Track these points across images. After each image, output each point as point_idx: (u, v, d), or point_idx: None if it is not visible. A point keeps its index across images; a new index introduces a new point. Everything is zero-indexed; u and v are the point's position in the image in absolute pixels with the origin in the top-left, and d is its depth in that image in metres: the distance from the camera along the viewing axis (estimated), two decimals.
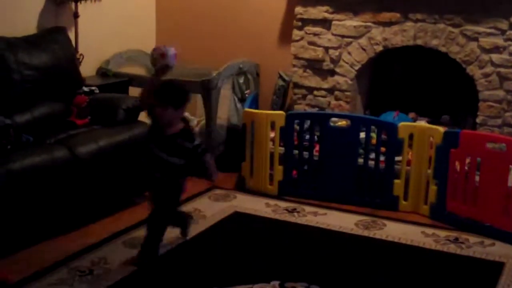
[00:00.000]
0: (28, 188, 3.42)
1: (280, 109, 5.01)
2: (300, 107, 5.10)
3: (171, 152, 3.24)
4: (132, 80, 4.96)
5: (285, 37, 5.21)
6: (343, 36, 4.88)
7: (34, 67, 4.11)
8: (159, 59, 3.38)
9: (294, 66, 5.08)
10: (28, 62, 4.08)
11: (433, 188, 4.08)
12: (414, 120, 4.82)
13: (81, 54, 4.73)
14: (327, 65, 4.96)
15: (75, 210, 3.71)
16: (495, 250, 3.68)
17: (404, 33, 4.68)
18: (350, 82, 4.92)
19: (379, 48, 4.79)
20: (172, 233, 3.73)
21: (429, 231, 3.91)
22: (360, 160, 4.29)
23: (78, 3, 4.69)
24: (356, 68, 4.89)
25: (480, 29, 4.45)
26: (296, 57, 5.06)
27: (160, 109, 3.20)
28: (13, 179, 3.34)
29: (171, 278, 3.25)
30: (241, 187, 4.57)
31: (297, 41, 5.03)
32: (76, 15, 4.72)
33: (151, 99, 3.24)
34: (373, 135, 4.31)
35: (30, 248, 3.43)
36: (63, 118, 4.20)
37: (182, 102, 3.27)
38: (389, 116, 4.77)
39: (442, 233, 3.88)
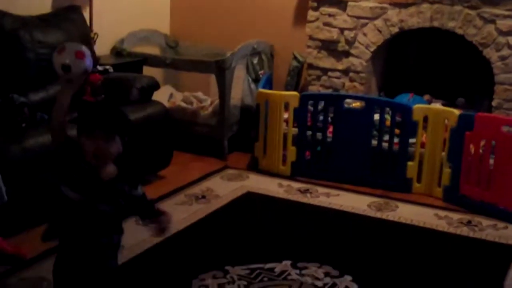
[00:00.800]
0: (43, 166, 3.44)
1: (294, 90, 5.00)
2: (314, 88, 5.07)
3: (109, 201, 2.21)
4: (147, 59, 4.97)
5: (300, 17, 5.18)
6: (358, 17, 4.84)
7: (49, 46, 4.09)
8: (74, 60, 2.23)
9: (308, 47, 5.05)
10: (43, 41, 4.08)
11: (447, 170, 4.06)
12: (429, 102, 4.79)
13: (95, 33, 4.72)
14: (342, 46, 4.92)
15: None
16: (508, 233, 3.67)
17: (420, 14, 4.63)
18: (365, 63, 4.88)
19: (395, 30, 4.75)
20: (182, 213, 3.75)
21: (442, 213, 3.91)
22: (374, 142, 4.28)
23: None
24: (371, 49, 4.85)
25: (498, 11, 4.39)
26: (311, 38, 5.02)
27: (102, 141, 2.16)
28: (27, 157, 3.37)
29: (183, 257, 3.27)
30: (254, 167, 4.57)
31: (312, 21, 5.00)
32: None
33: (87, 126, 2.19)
34: (388, 117, 4.29)
35: (44, 225, 3.45)
36: (77, 96, 4.20)
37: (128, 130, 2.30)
38: (404, 98, 4.74)
39: (455, 216, 3.88)
